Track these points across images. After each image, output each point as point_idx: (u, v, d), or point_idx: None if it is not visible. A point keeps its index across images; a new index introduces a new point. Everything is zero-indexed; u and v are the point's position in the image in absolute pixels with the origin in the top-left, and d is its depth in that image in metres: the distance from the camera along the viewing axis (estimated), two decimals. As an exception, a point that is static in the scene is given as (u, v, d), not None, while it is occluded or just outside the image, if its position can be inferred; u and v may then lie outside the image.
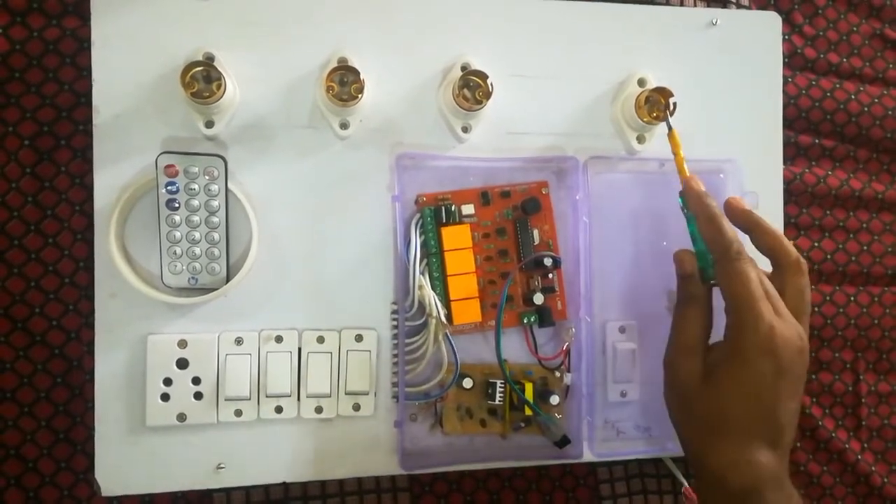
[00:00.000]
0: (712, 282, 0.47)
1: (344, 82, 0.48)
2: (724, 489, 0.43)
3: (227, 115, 0.49)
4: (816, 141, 0.64)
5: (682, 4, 0.60)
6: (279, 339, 0.50)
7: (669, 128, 0.50)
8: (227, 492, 0.53)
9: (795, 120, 0.63)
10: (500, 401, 0.52)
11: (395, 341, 0.51)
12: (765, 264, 0.48)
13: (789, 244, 0.47)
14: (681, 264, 0.48)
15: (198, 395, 0.49)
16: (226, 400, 0.49)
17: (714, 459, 0.44)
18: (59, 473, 0.51)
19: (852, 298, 0.64)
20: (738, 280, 0.43)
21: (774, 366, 0.42)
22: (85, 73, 0.51)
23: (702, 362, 0.46)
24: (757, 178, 0.57)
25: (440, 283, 0.52)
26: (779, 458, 0.44)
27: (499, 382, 0.52)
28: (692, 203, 0.47)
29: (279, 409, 0.50)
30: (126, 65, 0.48)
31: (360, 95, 0.48)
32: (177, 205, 0.47)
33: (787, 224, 0.62)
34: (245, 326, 0.50)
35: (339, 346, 0.51)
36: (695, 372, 0.46)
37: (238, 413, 0.49)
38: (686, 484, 0.57)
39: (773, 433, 0.43)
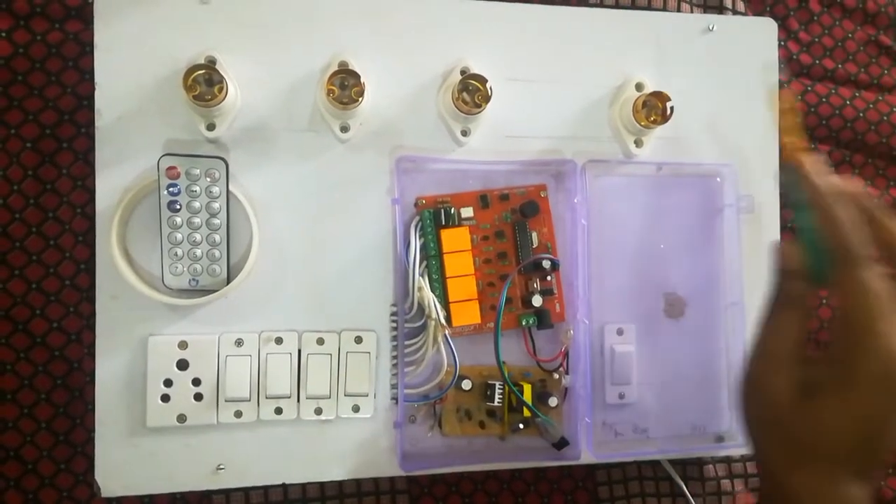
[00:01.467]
0: (821, 285, 0.40)
1: (344, 86, 0.49)
2: None
3: (229, 118, 0.49)
4: (812, 146, 0.65)
5: (679, 10, 0.61)
6: (279, 340, 0.50)
7: (786, 79, 0.41)
8: (227, 493, 0.53)
9: (791, 125, 0.64)
10: (498, 402, 0.53)
11: (395, 343, 0.51)
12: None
13: None
14: (784, 258, 0.41)
15: (198, 397, 0.49)
16: (226, 401, 0.49)
17: (800, 486, 0.38)
18: (58, 475, 0.52)
19: (848, 302, 0.65)
20: (858, 292, 0.37)
21: (890, 400, 0.36)
22: (87, 76, 0.51)
23: (797, 377, 0.39)
24: (753, 182, 0.57)
25: (439, 286, 0.52)
26: (868, 493, 0.38)
27: (498, 384, 0.52)
28: (812, 189, 0.39)
29: (279, 411, 0.50)
30: (128, 68, 0.49)
31: (360, 99, 0.48)
32: (178, 206, 0.47)
33: (783, 228, 0.62)
34: (245, 328, 0.50)
35: (338, 348, 0.51)
36: (788, 388, 0.39)
37: (238, 414, 0.50)
38: (685, 487, 0.57)
39: (869, 467, 0.38)
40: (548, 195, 0.55)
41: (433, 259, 0.52)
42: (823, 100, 0.64)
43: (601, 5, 0.60)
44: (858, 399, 0.37)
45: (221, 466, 0.50)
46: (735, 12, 0.62)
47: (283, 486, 0.53)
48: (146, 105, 0.49)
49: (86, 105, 0.52)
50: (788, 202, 0.41)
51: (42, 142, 0.51)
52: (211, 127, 0.49)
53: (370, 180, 0.52)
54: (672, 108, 0.52)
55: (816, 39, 0.65)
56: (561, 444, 0.53)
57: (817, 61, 0.65)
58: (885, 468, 0.40)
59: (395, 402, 0.52)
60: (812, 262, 0.39)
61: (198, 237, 0.48)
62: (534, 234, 0.54)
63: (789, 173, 0.40)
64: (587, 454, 0.54)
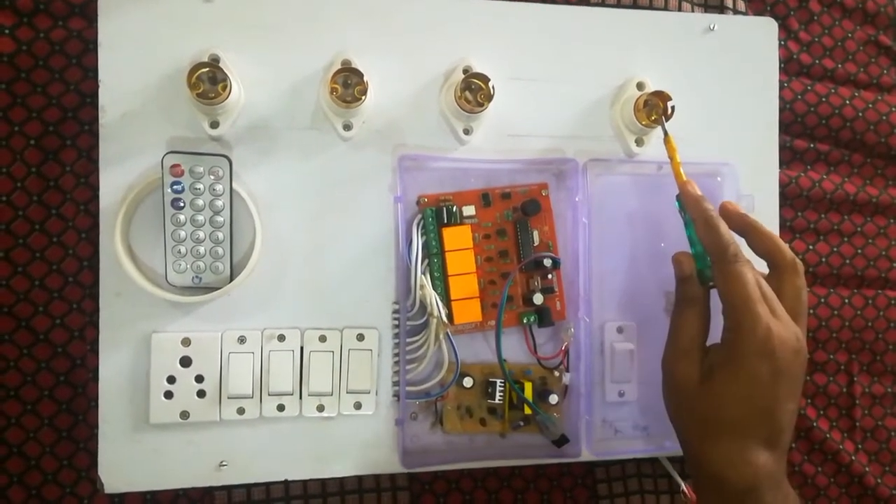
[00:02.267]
0: (710, 284, 0.48)
1: (347, 84, 0.49)
2: (722, 489, 0.44)
3: (232, 116, 0.49)
4: (812, 145, 0.65)
5: (680, 10, 0.61)
6: (282, 337, 0.51)
7: (665, 133, 0.51)
8: (229, 490, 0.53)
9: (791, 124, 0.64)
10: (499, 400, 0.53)
11: (397, 340, 0.52)
12: (761, 267, 0.48)
13: (785, 246, 0.48)
14: (679, 266, 0.49)
15: (201, 393, 0.49)
16: (228, 398, 0.50)
17: (712, 459, 0.44)
18: (61, 471, 0.52)
19: (846, 301, 0.65)
20: (735, 282, 0.44)
21: (772, 367, 0.43)
22: (91, 73, 0.51)
23: (700, 364, 0.46)
24: (753, 182, 0.57)
25: (441, 283, 0.52)
26: (777, 459, 0.44)
27: (499, 382, 0.53)
28: (689, 207, 0.48)
29: (281, 408, 0.50)
30: (132, 65, 0.49)
31: (363, 97, 0.49)
32: (182, 204, 0.47)
33: (782, 227, 0.62)
34: (248, 325, 0.50)
35: (340, 345, 0.51)
36: (693, 373, 0.46)
37: (240, 411, 0.50)
38: (683, 484, 0.58)
39: (771, 434, 0.44)
40: (549, 194, 0.55)
41: (435, 257, 0.52)
42: (823, 99, 0.65)
43: (603, 4, 0.60)
44: (745, 373, 0.43)
45: (224, 463, 0.50)
46: (736, 12, 0.63)
47: (285, 482, 0.53)
48: (150, 103, 0.49)
49: (89, 102, 0.52)
50: (683, 222, 0.49)
51: (45, 139, 0.51)
52: (214, 125, 0.49)
53: (373, 178, 0.52)
54: (673, 108, 0.53)
55: (816, 39, 0.66)
56: (561, 441, 0.53)
57: (817, 61, 0.65)
58: (791, 433, 0.45)
59: (397, 399, 0.52)
60: (700, 266, 0.48)
61: (201, 234, 0.48)
62: (535, 233, 0.54)
63: (678, 200, 0.49)
64: (587, 452, 0.54)
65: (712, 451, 0.44)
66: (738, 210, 0.50)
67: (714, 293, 0.48)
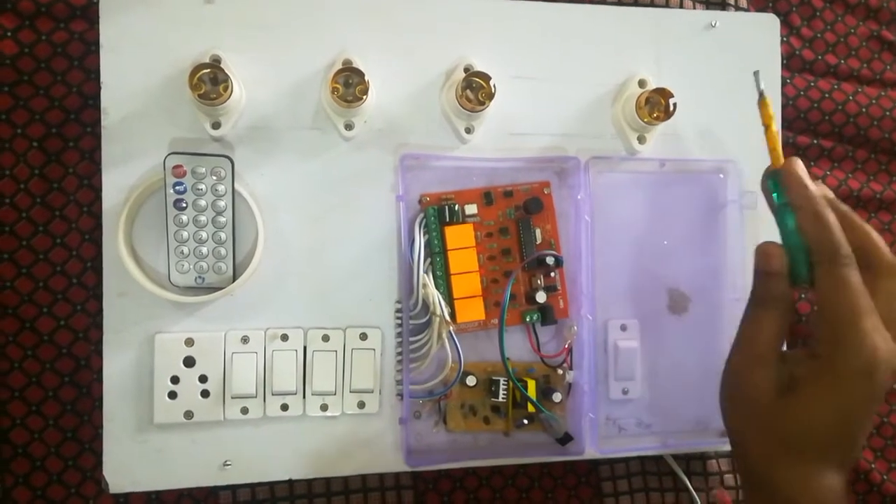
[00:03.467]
0: (802, 285, 0.41)
1: (349, 84, 0.49)
2: None
3: (234, 117, 0.50)
4: (815, 141, 0.65)
5: (681, 7, 0.61)
6: (285, 337, 0.51)
7: (761, 95, 0.44)
8: (233, 489, 0.53)
9: (794, 121, 0.64)
10: (503, 398, 0.53)
11: (400, 339, 0.52)
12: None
13: (884, 244, 0.41)
14: (767, 259, 0.42)
15: (204, 393, 0.49)
16: (232, 398, 0.50)
17: (787, 482, 0.40)
18: (66, 472, 0.52)
19: (851, 297, 0.65)
20: (844, 289, 0.38)
21: (870, 390, 0.38)
22: (93, 75, 0.52)
23: (777, 373, 0.41)
24: (756, 179, 0.56)
25: (444, 282, 0.52)
26: (846, 481, 0.40)
27: (502, 380, 0.53)
28: (795, 192, 0.41)
29: (285, 407, 0.50)
30: (134, 67, 0.49)
31: (364, 97, 0.49)
32: (184, 205, 0.48)
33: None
34: (251, 325, 0.50)
35: (343, 345, 0.51)
36: (769, 383, 0.40)
37: (244, 411, 0.50)
38: (688, 482, 0.58)
39: (848, 456, 0.40)
40: (551, 192, 0.55)
41: (437, 256, 0.52)
42: (826, 95, 0.64)
43: (604, 2, 0.60)
44: (842, 391, 0.38)
45: (228, 462, 0.50)
46: (738, 8, 0.63)
47: (289, 481, 0.53)
48: (152, 104, 0.49)
49: (91, 104, 0.52)
50: (770, 206, 0.43)
51: (48, 141, 0.52)
52: (216, 125, 0.49)
53: (374, 178, 0.52)
54: (675, 105, 0.53)
55: (819, 35, 0.66)
56: (565, 439, 0.53)
57: (820, 57, 0.65)
58: (859, 457, 0.41)
59: (400, 398, 0.52)
60: (794, 263, 0.41)
61: (204, 235, 0.48)
62: (537, 231, 0.54)
63: (773, 179, 0.42)
64: (591, 450, 0.54)
65: (788, 473, 0.40)
66: (832, 196, 0.42)
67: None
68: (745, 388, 0.41)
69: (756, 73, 0.44)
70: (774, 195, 0.42)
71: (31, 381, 0.52)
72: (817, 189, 0.40)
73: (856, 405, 0.38)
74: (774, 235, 0.41)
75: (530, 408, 0.53)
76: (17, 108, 0.51)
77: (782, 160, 0.42)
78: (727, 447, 0.58)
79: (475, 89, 0.51)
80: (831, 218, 0.39)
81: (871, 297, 0.39)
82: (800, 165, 0.41)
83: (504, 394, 0.53)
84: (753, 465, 0.42)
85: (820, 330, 0.39)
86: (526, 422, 0.54)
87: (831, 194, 0.42)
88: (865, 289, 0.38)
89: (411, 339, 0.52)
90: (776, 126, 0.43)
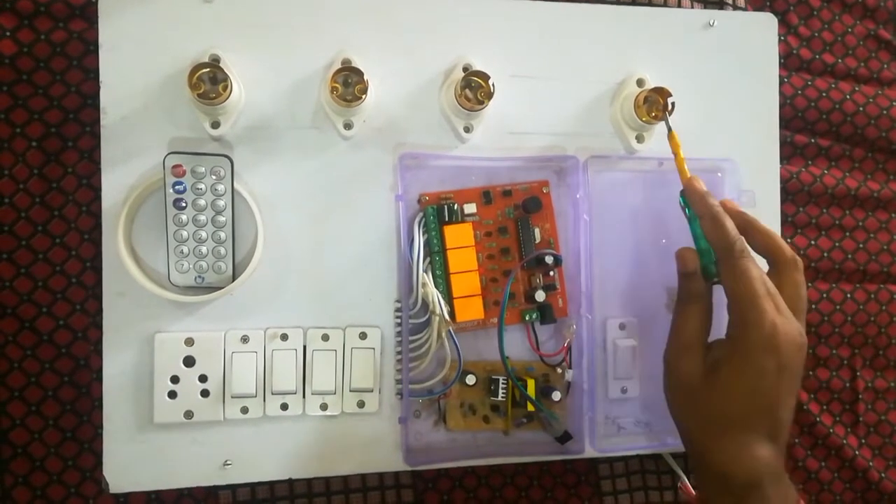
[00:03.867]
0: (714, 280, 0.48)
1: (348, 83, 0.49)
2: (726, 483, 0.44)
3: (233, 116, 0.50)
4: (812, 140, 0.65)
5: (679, 6, 0.61)
6: (284, 337, 0.51)
7: (669, 129, 0.51)
8: (233, 488, 0.53)
9: (791, 120, 0.64)
10: (502, 397, 0.53)
11: (399, 339, 0.52)
12: (761, 264, 0.48)
13: (784, 243, 0.48)
14: (683, 262, 0.49)
15: (204, 393, 0.49)
16: (232, 397, 0.50)
17: (716, 454, 0.44)
18: (66, 471, 0.52)
19: (849, 295, 0.65)
20: (741, 278, 0.44)
21: (776, 362, 0.43)
22: (92, 75, 0.52)
23: (702, 359, 0.47)
24: (754, 178, 0.57)
25: (443, 281, 0.52)
26: (778, 453, 0.44)
27: (501, 379, 0.53)
28: (695, 203, 0.48)
29: (285, 407, 0.51)
30: (133, 66, 0.49)
31: (363, 96, 0.49)
32: (184, 204, 0.48)
33: (783, 222, 0.62)
34: (251, 324, 0.50)
35: (343, 344, 0.51)
36: (696, 369, 0.46)
37: (244, 410, 0.50)
38: (684, 479, 0.58)
39: (774, 428, 0.44)
40: (550, 191, 0.55)
41: (437, 255, 0.52)
42: (823, 94, 0.65)
43: (603, 1, 0.60)
44: (751, 368, 0.43)
45: (228, 462, 0.50)
46: (735, 8, 0.63)
47: (289, 481, 0.53)
48: (151, 103, 0.49)
49: (90, 104, 0.52)
50: (686, 217, 0.49)
51: (47, 140, 0.52)
52: (215, 125, 0.49)
53: (374, 177, 0.52)
54: (673, 104, 0.53)
55: (816, 34, 0.66)
56: (564, 438, 0.53)
57: (817, 56, 0.65)
58: (790, 428, 0.46)
59: (400, 397, 0.52)
60: (704, 262, 0.48)
61: (203, 234, 0.48)
62: (536, 230, 0.54)
63: (682, 196, 0.49)
64: (590, 448, 0.54)
65: (716, 446, 0.44)
66: (736, 208, 0.50)
67: (717, 289, 0.48)
68: (677, 375, 0.47)
69: (666, 112, 0.52)
70: (686, 209, 0.49)
71: (31, 381, 0.51)
72: (714, 200, 0.47)
73: (766, 377, 0.43)
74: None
75: (530, 407, 0.53)
76: (16, 107, 0.51)
77: (690, 180, 0.49)
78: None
79: (474, 88, 0.51)
80: (726, 220, 0.46)
81: (780, 290, 0.45)
82: (698, 181, 0.49)
83: (503, 393, 0.53)
84: (690, 442, 0.47)
85: (730, 316, 0.45)
86: (525, 421, 0.54)
87: (736, 206, 0.50)
88: (763, 276, 0.45)
89: (411, 338, 0.52)
90: (682, 152, 0.50)
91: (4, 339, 0.51)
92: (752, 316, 0.43)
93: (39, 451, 0.52)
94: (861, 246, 0.66)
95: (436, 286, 0.52)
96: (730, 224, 0.46)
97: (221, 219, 0.48)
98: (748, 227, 0.48)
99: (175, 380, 0.49)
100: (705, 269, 0.48)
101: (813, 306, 0.64)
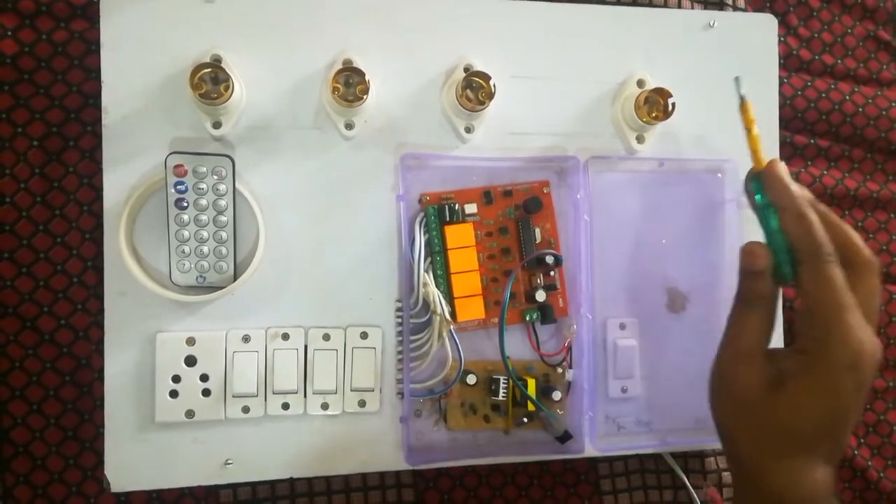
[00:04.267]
0: (787, 282, 0.43)
1: (349, 83, 0.49)
2: None
3: (235, 116, 0.50)
4: (812, 141, 0.65)
5: (679, 7, 0.61)
6: (286, 336, 0.51)
7: (742, 99, 0.45)
8: (234, 487, 0.53)
9: (791, 120, 0.64)
10: (503, 397, 0.53)
11: (400, 338, 0.52)
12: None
13: (862, 242, 0.42)
14: (752, 258, 0.42)
15: (206, 392, 0.49)
16: (233, 397, 0.50)
17: (776, 476, 0.41)
18: (67, 470, 0.52)
19: (848, 296, 0.65)
20: (828, 286, 0.39)
21: (857, 382, 0.39)
22: (93, 75, 0.52)
23: (764, 370, 0.41)
24: (754, 178, 0.57)
25: (444, 281, 0.53)
26: (834, 475, 0.41)
27: (502, 379, 0.53)
28: (777, 192, 0.42)
29: (286, 406, 0.51)
30: (135, 66, 0.49)
31: (364, 96, 0.49)
32: (185, 204, 0.48)
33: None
34: (252, 324, 0.51)
35: (344, 344, 0.52)
36: (757, 380, 0.41)
37: (245, 410, 0.50)
38: (686, 480, 0.58)
39: (836, 449, 0.41)
40: (551, 191, 0.55)
41: (438, 255, 0.52)
42: (823, 95, 0.65)
43: (603, 2, 0.60)
44: (830, 385, 0.39)
45: (229, 461, 0.50)
46: (735, 8, 0.63)
47: (291, 480, 0.53)
48: (152, 103, 0.49)
49: (92, 103, 0.52)
50: (753, 207, 0.44)
51: (48, 140, 0.52)
52: (217, 125, 0.49)
53: (375, 177, 0.52)
54: (674, 105, 0.53)
55: (816, 35, 0.66)
56: (564, 437, 0.54)
57: (817, 57, 0.66)
58: (844, 450, 0.43)
59: (401, 396, 0.52)
60: (777, 262, 0.42)
61: (205, 234, 0.48)
62: (537, 230, 0.54)
63: (756, 181, 0.43)
64: (590, 448, 0.54)
65: (777, 468, 0.41)
66: (808, 195, 0.43)
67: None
68: (733, 386, 0.42)
69: (737, 79, 0.45)
70: (757, 196, 0.43)
71: (32, 381, 0.52)
72: (799, 189, 0.41)
73: (843, 399, 0.39)
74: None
75: (530, 406, 0.53)
76: (18, 107, 0.51)
77: (764, 162, 0.43)
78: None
79: (475, 89, 0.51)
80: (814, 217, 0.40)
81: (854, 294, 0.40)
82: (782, 167, 0.42)
83: (504, 392, 0.53)
84: (743, 460, 0.43)
85: (806, 327, 0.40)
86: (526, 420, 0.54)
87: (810, 195, 0.43)
88: (848, 285, 0.40)
89: (412, 337, 0.52)
90: (757, 129, 0.43)
91: (6, 338, 0.51)
92: (837, 330, 0.39)
93: (40, 450, 0.52)
94: (860, 246, 0.66)
95: (437, 286, 0.52)
96: (818, 222, 0.40)
97: (223, 218, 0.48)
98: (822, 220, 0.42)
99: (176, 379, 0.49)
100: (779, 270, 0.42)
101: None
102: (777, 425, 0.40)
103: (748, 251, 0.43)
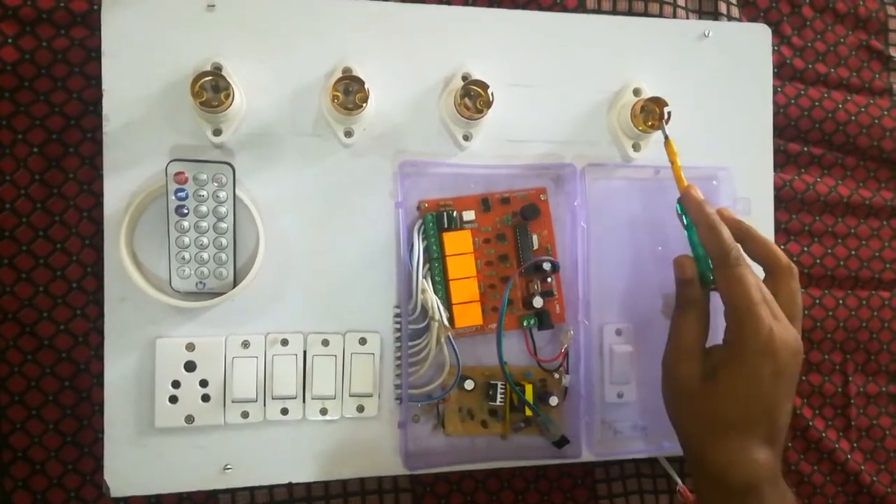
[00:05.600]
0: (711, 287, 0.49)
1: (349, 91, 0.50)
2: (724, 486, 0.45)
3: (235, 124, 0.50)
4: (805, 149, 0.66)
5: (675, 16, 0.62)
6: (285, 342, 0.51)
7: (666, 137, 0.51)
8: (232, 493, 0.54)
9: (785, 128, 0.65)
10: (500, 402, 0.53)
11: (399, 344, 0.52)
12: (758, 272, 0.49)
13: (780, 251, 0.49)
14: (681, 269, 0.49)
15: (205, 398, 0.50)
16: (233, 402, 0.50)
17: (715, 457, 0.45)
18: (66, 475, 0.52)
19: (841, 302, 0.66)
20: (738, 285, 0.45)
21: (773, 367, 0.44)
22: (93, 81, 0.52)
23: (701, 364, 0.47)
24: (748, 185, 0.58)
25: (442, 288, 0.53)
26: (775, 456, 0.45)
27: (499, 384, 0.53)
28: (692, 211, 0.49)
29: (285, 411, 0.51)
30: (135, 74, 0.49)
31: (364, 105, 0.49)
32: (186, 211, 0.48)
33: (777, 229, 0.63)
34: (251, 330, 0.51)
35: (343, 349, 0.52)
36: (695, 373, 0.47)
37: (245, 415, 0.50)
38: (681, 483, 0.58)
39: (771, 432, 0.45)
40: (548, 198, 0.55)
41: (436, 261, 0.53)
42: (816, 103, 0.65)
43: (599, 11, 0.60)
44: (748, 372, 0.44)
45: (228, 466, 0.50)
46: (730, 18, 0.64)
47: (289, 485, 0.54)
48: (153, 111, 0.50)
49: (92, 110, 0.52)
50: (683, 226, 0.50)
51: (48, 146, 0.52)
52: (217, 132, 0.49)
53: (374, 184, 0.53)
54: (669, 113, 0.53)
55: (809, 44, 0.67)
56: (561, 442, 0.54)
57: (810, 65, 0.66)
58: (786, 432, 0.47)
59: (399, 402, 0.52)
60: (701, 269, 0.49)
61: (205, 241, 0.49)
62: (534, 237, 0.55)
63: (679, 204, 0.50)
64: (587, 452, 0.55)
65: (715, 450, 0.45)
66: (733, 216, 0.50)
67: (714, 296, 0.49)
68: (676, 380, 0.48)
69: (662, 126, 0.52)
70: (683, 217, 0.50)
71: (31, 386, 0.52)
72: (711, 208, 0.48)
73: (763, 382, 0.44)
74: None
75: (527, 411, 0.54)
76: (18, 113, 0.51)
77: (687, 188, 0.50)
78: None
79: (473, 97, 0.51)
80: (722, 228, 0.47)
81: (775, 296, 0.46)
82: (695, 190, 0.50)
83: (501, 398, 0.53)
84: (689, 445, 0.48)
85: (728, 322, 0.46)
86: (523, 425, 0.54)
87: (733, 214, 0.50)
88: (759, 283, 0.46)
89: (410, 343, 0.52)
90: (680, 161, 0.51)
91: (5, 343, 0.51)
92: (749, 322, 0.44)
93: (39, 455, 0.52)
94: (853, 253, 0.67)
95: (435, 292, 0.52)
96: (726, 232, 0.47)
97: (223, 225, 0.49)
98: (744, 236, 0.49)
99: (176, 384, 0.49)
100: (702, 276, 0.49)
101: (805, 312, 0.65)
102: (711, 411, 0.46)
103: (678, 263, 0.50)
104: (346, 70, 0.51)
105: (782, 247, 0.64)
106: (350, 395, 0.52)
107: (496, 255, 0.55)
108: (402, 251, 0.52)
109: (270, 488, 0.54)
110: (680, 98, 0.55)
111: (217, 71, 0.48)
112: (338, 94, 0.49)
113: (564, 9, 0.60)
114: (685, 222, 0.50)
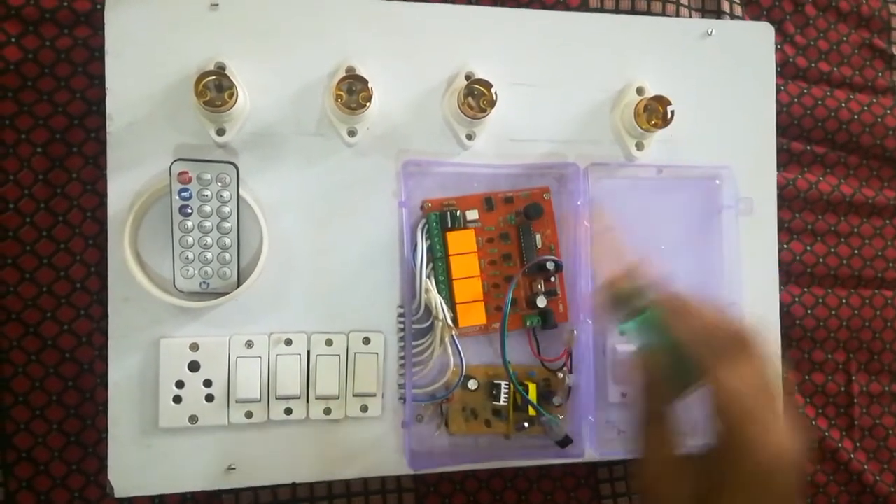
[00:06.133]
0: (687, 386, 0.40)
1: (352, 91, 0.50)
2: None
3: (238, 123, 0.50)
4: (808, 147, 0.66)
5: (678, 15, 0.62)
6: (289, 342, 0.51)
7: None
8: (236, 492, 0.54)
9: (788, 127, 0.65)
10: (504, 402, 0.53)
11: (402, 344, 0.52)
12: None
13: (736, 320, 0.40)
14: (648, 369, 0.40)
15: (209, 398, 0.50)
16: (236, 402, 0.50)
17: None
18: (70, 476, 0.52)
19: (844, 301, 0.66)
20: (732, 392, 0.36)
21: (780, 491, 0.36)
22: (97, 81, 0.52)
23: (684, 479, 0.39)
24: (751, 184, 0.58)
25: (446, 287, 0.53)
26: None
27: (503, 384, 0.53)
28: (674, 300, 0.40)
29: (289, 411, 0.51)
30: (139, 73, 0.49)
31: (367, 104, 0.49)
32: (189, 211, 0.48)
33: (780, 228, 0.63)
34: (255, 330, 0.51)
35: (346, 349, 0.52)
36: (680, 493, 0.39)
37: (248, 415, 0.50)
38: None
39: None
40: (551, 197, 0.55)
41: (439, 261, 0.53)
42: (819, 102, 0.65)
43: (602, 10, 0.60)
44: (747, 497, 0.36)
45: (232, 466, 0.50)
46: (733, 17, 0.64)
47: (293, 485, 0.54)
48: (156, 110, 0.50)
49: (95, 110, 0.52)
50: (622, 321, 0.42)
51: (52, 146, 0.52)
52: (221, 132, 0.49)
53: (377, 184, 0.53)
54: (672, 112, 0.53)
55: (812, 43, 0.67)
56: (565, 442, 0.54)
57: (813, 64, 0.66)
58: None
59: (403, 401, 0.52)
60: (675, 370, 0.39)
61: (209, 240, 0.49)
62: (538, 236, 0.55)
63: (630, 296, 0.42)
64: (590, 452, 0.55)
65: None
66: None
67: None
68: (659, 502, 0.40)
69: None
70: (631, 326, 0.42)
71: (35, 386, 0.52)
72: (681, 295, 0.40)
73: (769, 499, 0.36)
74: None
75: (531, 411, 0.54)
76: (22, 113, 0.51)
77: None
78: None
79: (476, 96, 0.51)
80: (713, 317, 0.38)
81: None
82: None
83: (505, 397, 0.53)
84: None
85: (717, 433, 0.38)
86: (526, 425, 0.54)
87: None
88: (754, 386, 0.37)
89: (413, 343, 0.52)
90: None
91: (9, 343, 0.51)
92: (747, 444, 0.36)
93: (43, 456, 0.52)
94: (856, 252, 0.67)
95: (438, 292, 0.52)
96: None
97: (227, 225, 0.49)
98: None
99: (180, 385, 0.49)
100: (678, 376, 0.40)
101: (808, 311, 0.65)
102: None
103: (641, 362, 0.41)
104: (350, 69, 0.51)
105: (784, 246, 0.64)
106: (354, 395, 0.52)
107: (500, 255, 0.55)
108: (406, 251, 0.52)
109: (274, 488, 0.54)
110: (683, 97, 0.55)
111: (220, 70, 0.48)
112: (341, 93, 0.49)
113: (567, 8, 0.60)
114: (636, 317, 0.41)
